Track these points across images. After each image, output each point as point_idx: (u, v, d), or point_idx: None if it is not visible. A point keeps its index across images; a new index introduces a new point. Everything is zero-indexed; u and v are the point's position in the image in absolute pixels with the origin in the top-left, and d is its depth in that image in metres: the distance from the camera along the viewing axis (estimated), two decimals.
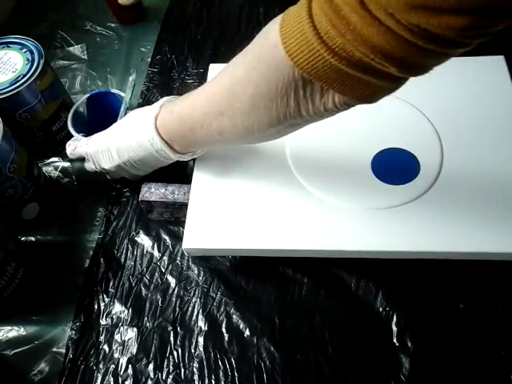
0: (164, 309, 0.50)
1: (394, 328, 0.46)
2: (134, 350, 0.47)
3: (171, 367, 0.46)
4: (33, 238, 0.56)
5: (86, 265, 0.53)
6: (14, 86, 0.51)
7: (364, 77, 0.31)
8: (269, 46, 0.33)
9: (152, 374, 0.46)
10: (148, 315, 0.49)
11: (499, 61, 0.54)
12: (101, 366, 0.47)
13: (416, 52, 0.28)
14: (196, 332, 0.48)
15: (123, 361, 0.47)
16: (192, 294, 0.50)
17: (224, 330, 0.48)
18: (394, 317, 0.47)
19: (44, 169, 0.61)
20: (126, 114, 0.55)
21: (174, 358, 0.47)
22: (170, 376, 0.46)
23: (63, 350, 0.48)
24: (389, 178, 0.47)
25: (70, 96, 0.63)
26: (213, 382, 0.45)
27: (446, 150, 0.49)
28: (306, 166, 0.49)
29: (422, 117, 0.51)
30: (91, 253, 0.54)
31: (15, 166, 0.49)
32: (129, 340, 0.48)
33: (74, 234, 0.56)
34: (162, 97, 0.66)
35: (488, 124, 0.50)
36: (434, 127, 0.50)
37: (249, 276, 0.51)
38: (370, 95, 0.33)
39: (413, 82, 0.54)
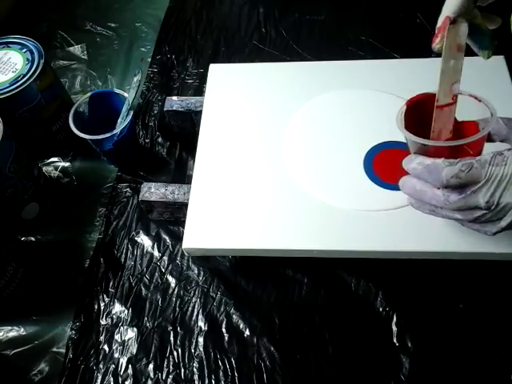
0: (164, 309, 0.50)
1: (394, 328, 0.46)
2: (134, 350, 0.47)
3: (171, 367, 0.46)
4: (33, 238, 0.56)
5: (86, 265, 0.53)
6: (14, 86, 0.51)
7: None
8: None
9: (152, 374, 0.46)
10: (148, 315, 0.49)
11: (499, 61, 0.54)
12: (101, 365, 0.47)
13: None
14: (196, 332, 0.48)
15: (123, 361, 0.47)
16: (192, 294, 0.50)
17: (224, 330, 0.48)
18: (394, 317, 0.47)
19: (44, 169, 0.61)
20: (127, 114, 0.55)
21: (173, 357, 0.47)
22: (170, 376, 0.46)
23: (63, 350, 0.48)
24: (389, 181, 0.47)
25: (70, 96, 0.63)
26: (213, 382, 0.45)
27: None
28: (305, 168, 0.49)
29: None
30: (91, 253, 0.54)
31: (15, 165, 0.49)
32: (129, 340, 0.48)
33: (74, 233, 0.56)
34: (162, 97, 0.67)
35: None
36: None
37: (249, 276, 0.51)
38: None
39: (413, 82, 0.54)
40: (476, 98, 0.38)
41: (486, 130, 0.36)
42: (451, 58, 0.35)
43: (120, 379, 0.46)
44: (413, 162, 0.37)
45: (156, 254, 0.53)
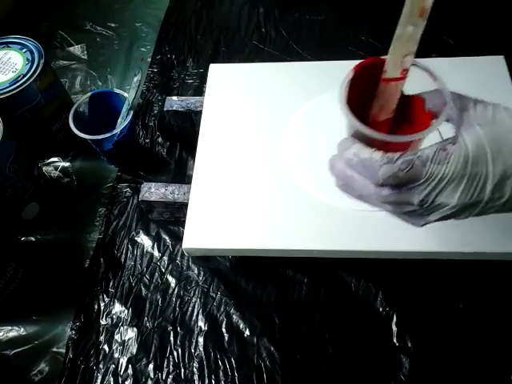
0: (164, 309, 0.50)
1: (394, 328, 0.46)
2: (134, 350, 0.47)
3: (171, 367, 0.46)
4: (33, 238, 0.56)
5: (86, 265, 0.53)
6: (14, 86, 0.51)
7: None
8: None
9: (152, 374, 0.46)
10: (148, 315, 0.49)
11: (499, 61, 0.54)
12: (101, 365, 0.47)
13: None
14: (196, 332, 0.48)
15: (123, 361, 0.47)
16: (192, 294, 0.50)
17: (224, 330, 0.48)
18: (394, 317, 0.47)
19: (44, 169, 0.61)
20: (127, 114, 0.55)
21: (173, 357, 0.47)
22: (170, 376, 0.46)
23: (63, 350, 0.48)
24: None
25: (70, 96, 0.63)
26: (213, 382, 0.45)
27: None
28: (305, 168, 0.49)
29: None
30: (91, 253, 0.54)
31: (15, 165, 0.49)
32: (129, 340, 0.48)
33: (74, 233, 0.56)
34: (162, 97, 0.67)
35: None
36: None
37: (249, 276, 0.51)
38: None
39: (413, 82, 0.54)
40: (431, 75, 0.32)
41: (437, 125, 0.31)
42: (410, 24, 0.29)
43: (120, 379, 0.46)
44: (348, 152, 0.32)
45: (156, 254, 0.53)
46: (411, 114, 0.34)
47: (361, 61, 0.33)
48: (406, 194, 0.31)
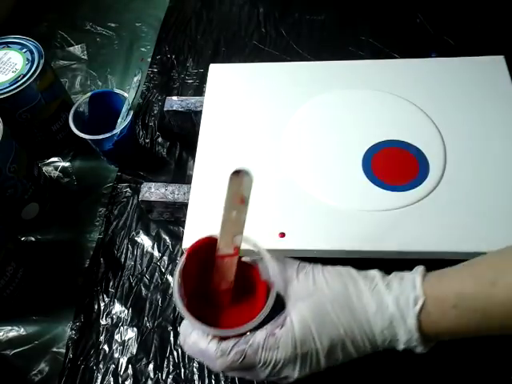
0: (164, 309, 0.50)
1: None
2: (134, 350, 0.47)
3: (171, 367, 0.46)
4: (33, 238, 0.56)
5: (86, 265, 0.53)
6: (14, 86, 0.51)
7: None
8: None
9: (152, 374, 0.46)
10: (148, 315, 0.49)
11: (499, 61, 0.54)
12: (101, 365, 0.47)
13: None
14: None
15: (123, 361, 0.47)
16: None
17: None
18: None
19: (44, 169, 0.61)
20: (127, 114, 0.55)
21: (173, 358, 0.47)
22: (170, 376, 0.46)
23: (63, 350, 0.48)
24: (387, 181, 0.47)
25: (70, 96, 0.63)
26: (213, 381, 0.45)
27: (448, 149, 0.49)
28: (304, 167, 0.49)
29: (424, 116, 0.51)
30: (91, 253, 0.54)
31: (15, 165, 0.49)
32: (129, 340, 0.48)
33: (74, 233, 0.56)
34: (162, 97, 0.67)
35: (488, 124, 0.50)
36: (436, 126, 0.50)
37: None
38: None
39: (414, 82, 0.54)
40: (259, 253, 0.35)
41: (261, 317, 0.32)
42: (233, 209, 0.32)
43: (120, 379, 0.46)
44: (189, 339, 0.34)
45: (156, 254, 0.53)
46: (251, 281, 0.36)
47: (195, 241, 0.35)
48: (251, 372, 0.33)
